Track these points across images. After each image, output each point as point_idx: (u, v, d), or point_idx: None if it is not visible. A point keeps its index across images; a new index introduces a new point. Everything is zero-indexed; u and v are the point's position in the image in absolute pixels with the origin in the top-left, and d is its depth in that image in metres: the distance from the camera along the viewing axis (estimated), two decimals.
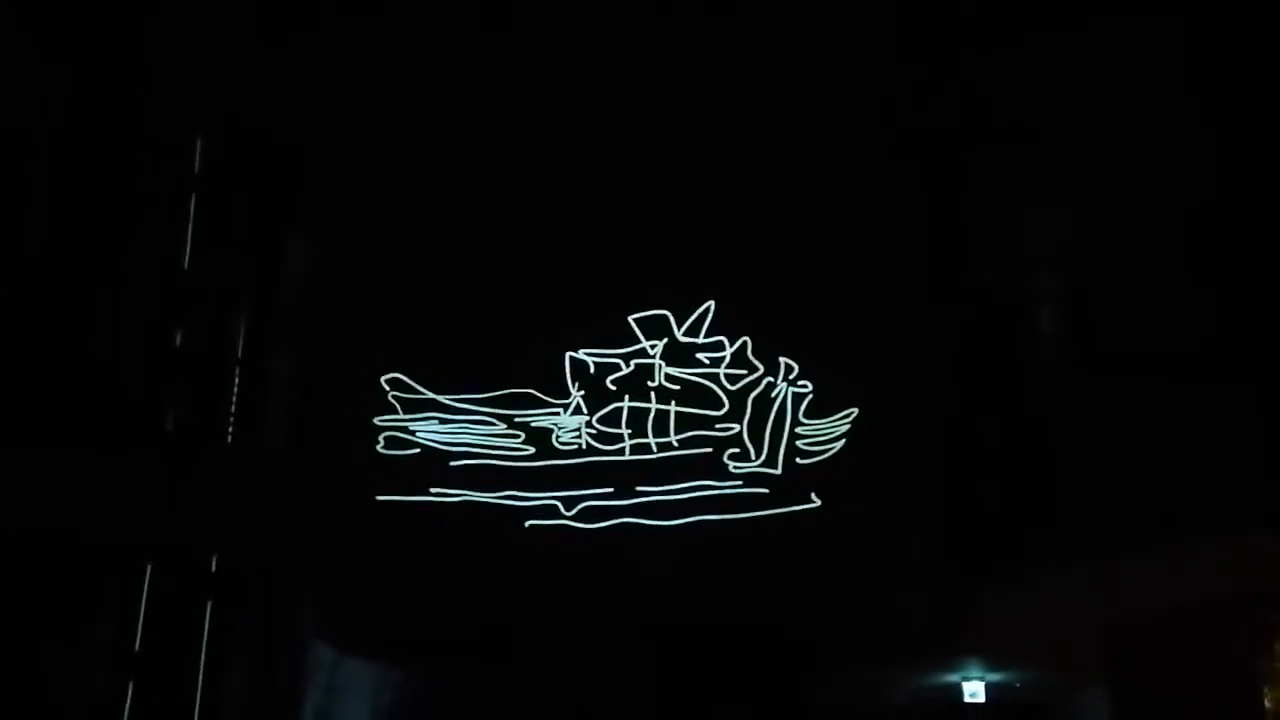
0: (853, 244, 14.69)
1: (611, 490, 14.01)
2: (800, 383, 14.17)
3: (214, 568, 13.95)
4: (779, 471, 13.97)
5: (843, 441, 14.03)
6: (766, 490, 13.91)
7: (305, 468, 14.36)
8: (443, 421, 14.34)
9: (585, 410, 14.29)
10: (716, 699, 13.94)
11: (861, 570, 13.85)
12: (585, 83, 15.24)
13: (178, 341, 13.79)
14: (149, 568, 13.18)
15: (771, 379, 14.21)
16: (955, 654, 14.37)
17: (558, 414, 14.29)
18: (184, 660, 13.50)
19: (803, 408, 14.12)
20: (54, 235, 12.33)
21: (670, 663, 13.97)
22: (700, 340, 14.37)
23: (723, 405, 14.19)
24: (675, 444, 14.15)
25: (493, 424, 14.28)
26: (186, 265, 13.93)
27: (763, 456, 14.02)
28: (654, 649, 13.91)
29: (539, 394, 14.34)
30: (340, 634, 14.39)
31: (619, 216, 14.62)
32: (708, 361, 14.32)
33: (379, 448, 14.31)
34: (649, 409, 14.25)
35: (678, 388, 14.29)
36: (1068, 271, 15.73)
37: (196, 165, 14.15)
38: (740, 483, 13.96)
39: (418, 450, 14.31)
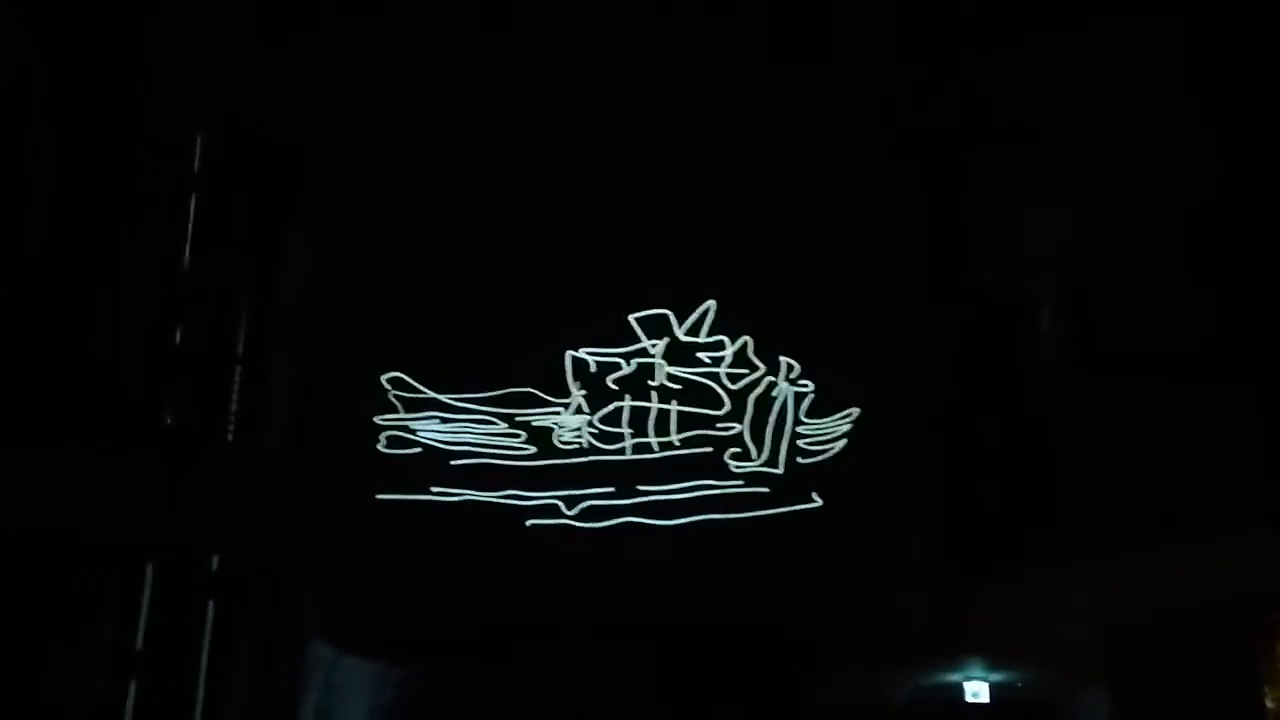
0: (853, 244, 14.68)
1: (613, 489, 14.00)
2: (801, 382, 14.17)
3: (215, 567, 13.95)
4: (780, 471, 13.96)
5: (844, 441, 14.02)
6: (768, 490, 13.91)
7: (306, 467, 14.38)
8: (444, 421, 14.33)
9: (586, 409, 14.27)
10: (717, 698, 13.94)
11: (862, 570, 13.85)
12: (585, 82, 15.22)
13: (178, 341, 13.75)
14: (150, 567, 13.15)
15: (773, 378, 14.20)
16: (955, 654, 14.37)
17: (559, 413, 14.28)
18: (185, 660, 13.50)
19: (804, 407, 14.12)
20: (54, 235, 12.32)
21: (670, 662, 13.95)
22: (701, 339, 14.35)
23: (724, 405, 14.18)
24: (676, 443, 14.13)
25: (494, 423, 14.27)
26: (187, 265, 13.90)
27: (764, 456, 14.01)
28: (654, 648, 13.88)
29: (540, 393, 14.32)
30: (341, 633, 14.35)
31: (620, 216, 14.58)
32: (709, 361, 14.30)
33: (380, 447, 14.30)
34: (650, 408, 14.23)
35: (679, 387, 14.28)
36: (1068, 271, 15.75)
37: (196, 165, 14.14)
38: (741, 482, 13.95)
39: (419, 449, 14.30)
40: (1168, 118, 15.36)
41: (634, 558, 13.75)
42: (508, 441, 14.22)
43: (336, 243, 15.15)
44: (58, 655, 12.14)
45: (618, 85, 15.17)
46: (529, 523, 14.00)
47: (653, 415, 14.22)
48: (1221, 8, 15.14)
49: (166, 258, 13.75)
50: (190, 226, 14.03)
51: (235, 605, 13.97)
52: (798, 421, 14.09)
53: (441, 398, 14.35)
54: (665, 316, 14.40)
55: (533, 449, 14.22)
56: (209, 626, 13.75)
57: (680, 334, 14.36)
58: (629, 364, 14.35)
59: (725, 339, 14.33)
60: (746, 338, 14.29)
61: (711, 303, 14.36)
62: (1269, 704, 13.26)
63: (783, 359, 14.22)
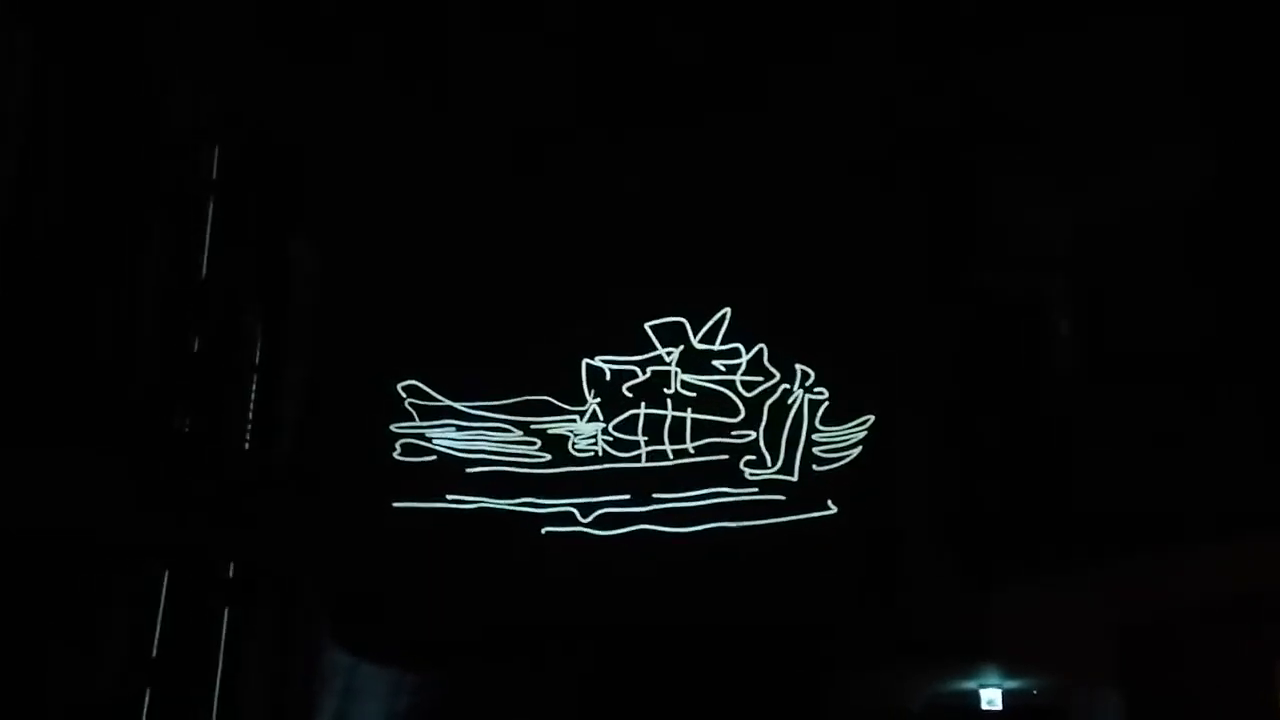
0: (865, 249, 14.73)
1: (628, 497, 14.07)
2: (817, 389, 14.23)
3: (230, 574, 13.91)
4: (795, 478, 14.04)
5: (859, 449, 14.09)
6: (783, 497, 13.99)
7: (321, 474, 14.37)
8: (459, 428, 14.37)
9: (601, 417, 14.34)
10: (731, 705, 13.97)
11: (876, 577, 13.96)
12: (597, 88, 15.23)
13: (194, 347, 13.70)
14: (166, 573, 13.12)
15: (788, 386, 14.26)
16: (970, 660, 14.46)
17: (574, 421, 14.34)
18: (200, 667, 13.48)
19: (819, 415, 14.18)
20: (68, 239, 12.23)
21: (685, 669, 14.00)
22: (716, 347, 14.41)
23: (739, 412, 14.25)
24: (691, 451, 14.21)
25: (509, 431, 14.31)
26: (202, 271, 13.85)
27: (779, 463, 14.08)
28: (670, 654, 13.95)
29: (555, 401, 14.38)
30: (356, 639, 14.37)
31: (634, 223, 14.61)
32: (724, 368, 14.37)
33: (395, 454, 14.33)
34: (665, 416, 14.30)
35: (694, 395, 14.34)
36: (1072, 272, 15.80)
37: (213, 170, 14.07)
38: (756, 490, 14.04)
39: (434, 457, 14.35)
40: (1168, 118, 15.42)
41: (649, 565, 13.82)
42: (523, 449, 14.27)
43: (352, 250, 15.13)
44: (72, 661, 12.09)
45: (630, 91, 15.17)
46: (544, 530, 14.08)
47: (668, 423, 14.29)
48: (1221, 8, 15.15)
49: (182, 263, 13.67)
50: (207, 232, 13.94)
51: (250, 612, 13.93)
52: (812, 429, 14.16)
53: (457, 405, 14.39)
54: (680, 324, 14.47)
55: (548, 456, 14.28)
56: (224, 633, 13.69)
57: (695, 342, 14.43)
58: (644, 372, 14.42)
59: (740, 346, 14.40)
60: (761, 345, 14.36)
61: (726, 310, 14.43)
62: None
63: (798, 366, 14.29)
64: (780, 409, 14.19)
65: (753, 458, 14.10)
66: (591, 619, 13.83)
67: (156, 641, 13.04)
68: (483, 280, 14.64)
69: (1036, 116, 15.85)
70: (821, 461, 14.09)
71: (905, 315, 14.77)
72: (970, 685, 14.77)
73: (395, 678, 14.51)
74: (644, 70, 15.39)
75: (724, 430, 14.22)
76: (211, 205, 14.03)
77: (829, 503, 13.90)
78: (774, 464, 14.08)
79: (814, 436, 14.14)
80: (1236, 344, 14.48)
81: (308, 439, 14.67)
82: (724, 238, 14.62)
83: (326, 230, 15.24)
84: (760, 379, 14.31)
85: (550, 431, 14.31)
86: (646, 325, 14.48)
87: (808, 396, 14.21)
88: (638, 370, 14.42)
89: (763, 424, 14.18)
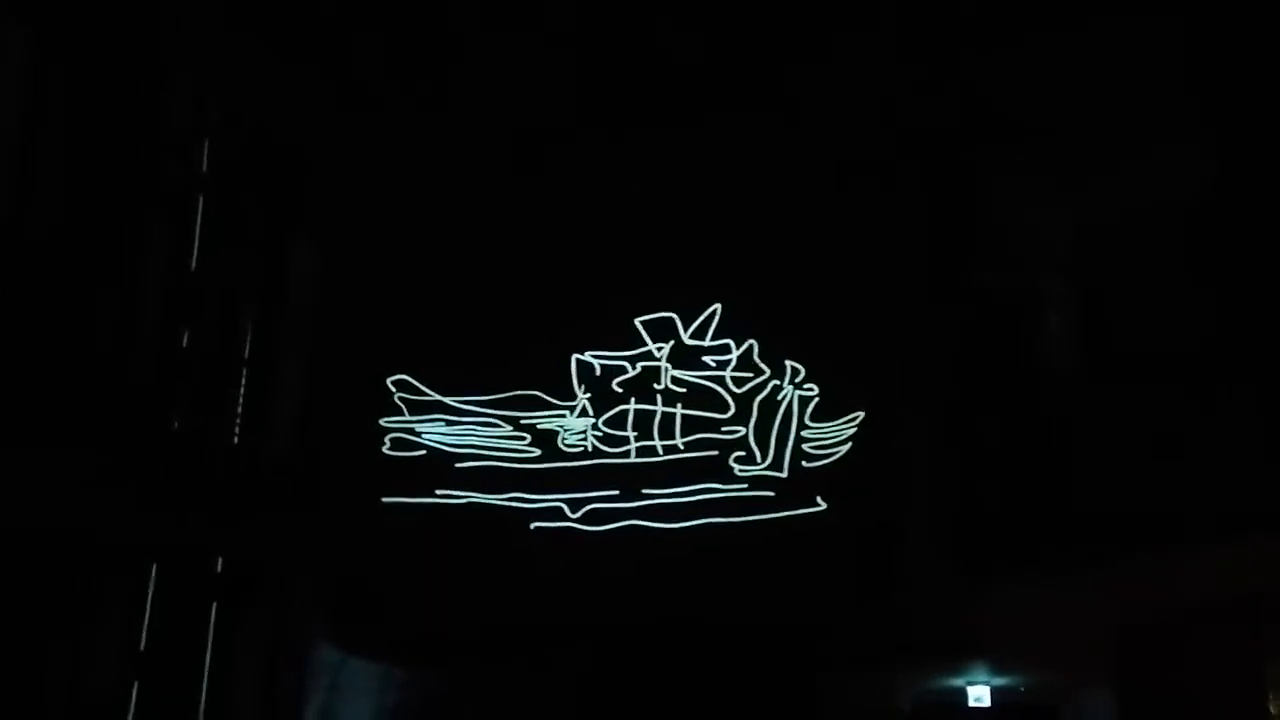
0: (857, 247, 14.68)
1: (617, 492, 14.04)
2: (806, 386, 14.19)
3: (219, 568, 13.90)
4: (785, 474, 13.99)
5: (849, 445, 14.04)
6: (772, 493, 13.94)
7: (311, 469, 14.38)
8: (448, 423, 14.37)
9: (591, 412, 14.32)
10: (721, 702, 13.94)
11: (867, 574, 13.90)
12: (590, 83, 15.23)
13: (184, 342, 13.70)
14: (154, 568, 13.11)
15: (778, 382, 14.22)
16: (962, 657, 14.42)
17: (564, 416, 14.33)
18: (189, 661, 13.48)
19: (809, 411, 14.13)
20: (60, 235, 12.23)
21: (675, 664, 13.99)
22: (706, 343, 14.38)
23: (729, 408, 14.21)
24: (681, 447, 14.18)
25: (498, 426, 14.31)
26: (194, 266, 13.85)
27: (769, 459, 14.03)
28: (659, 651, 13.93)
29: (545, 396, 14.37)
30: (345, 635, 14.40)
31: (625, 218, 14.61)
32: (714, 364, 14.33)
33: (384, 449, 14.34)
34: (655, 411, 14.28)
35: (684, 390, 14.32)
36: (1070, 272, 15.75)
37: (204, 165, 14.08)
38: (746, 486, 13.99)
39: (423, 452, 14.34)
40: (1168, 118, 15.37)
41: (638, 561, 13.80)
42: (512, 444, 14.26)
43: (343, 245, 15.18)
44: (60, 655, 12.07)
45: (622, 86, 15.17)
46: (533, 525, 14.05)
47: (657, 418, 14.27)
48: (1221, 8, 15.09)
49: (174, 258, 13.67)
50: (198, 228, 13.94)
51: (239, 607, 13.92)
52: (802, 425, 14.11)
53: (446, 400, 14.39)
54: (671, 320, 14.44)
55: (537, 452, 14.27)
56: (213, 628, 13.68)
57: (685, 337, 14.40)
58: (634, 367, 14.40)
59: (730, 342, 14.36)
60: (752, 341, 14.32)
61: (717, 306, 14.39)
62: (1272, 709, 13.33)
63: (788, 363, 14.23)
64: (770, 405, 14.15)
65: (742, 454, 14.06)
66: (580, 615, 13.80)
67: (145, 636, 12.99)
68: (473, 275, 14.65)
69: (1036, 116, 15.81)
70: (811, 458, 14.04)
71: (901, 314, 14.72)
72: (960, 683, 14.70)
73: (383, 673, 14.53)
74: (643, 70, 15.35)
75: (714, 426, 14.19)
76: (202, 201, 13.95)
77: (818, 499, 13.81)
78: (763, 460, 14.03)
79: (804, 433, 14.09)
80: (1235, 344, 14.39)
81: (298, 435, 14.66)
82: (716, 235, 14.59)
83: (320, 226, 15.24)
84: (750, 375, 14.27)
85: (540, 426, 14.31)
86: (637, 321, 14.45)
87: (797, 393, 14.16)
88: (628, 366, 14.40)
89: (753, 420, 14.13)
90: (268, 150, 14.94)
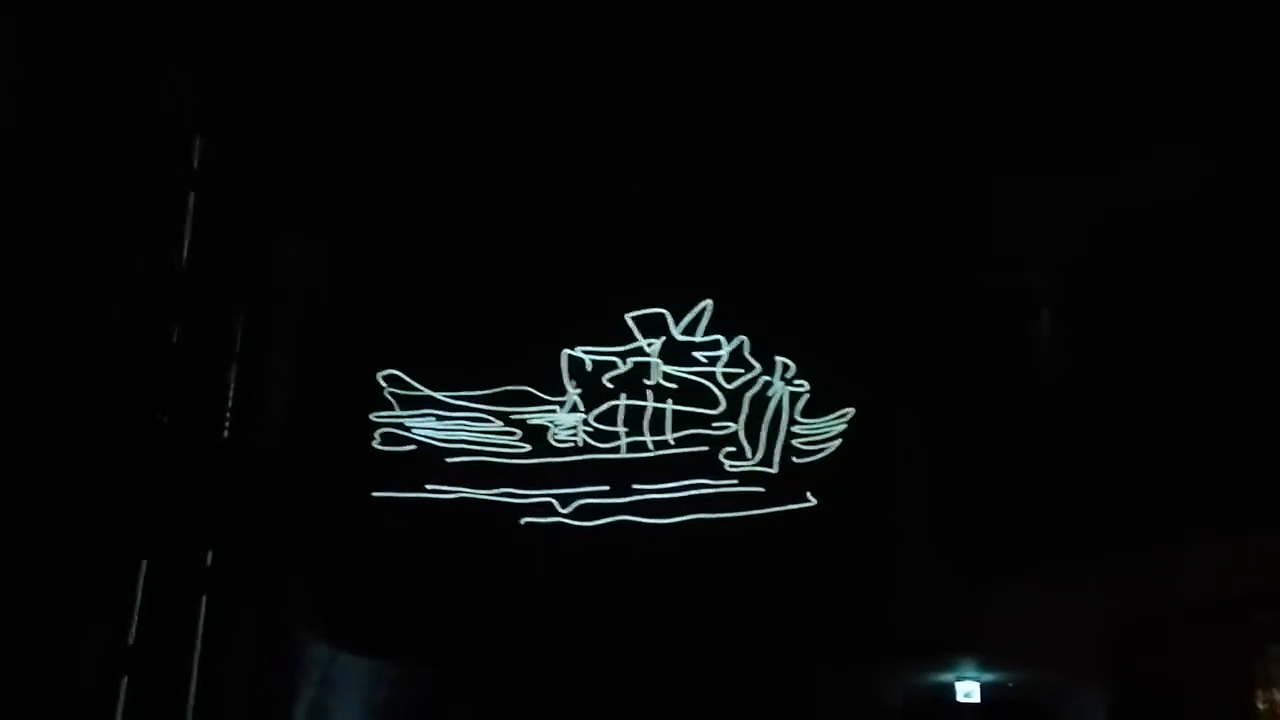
0: (851, 243, 14.66)
1: (607, 488, 14.02)
2: (797, 382, 14.16)
3: (208, 563, 13.90)
4: (775, 470, 13.97)
5: (839, 441, 14.00)
6: (762, 489, 13.92)
7: (301, 463, 14.37)
8: (439, 418, 14.36)
9: (582, 408, 14.30)
10: (710, 698, 13.90)
11: (857, 570, 13.86)
12: (583, 79, 15.24)
13: (175, 338, 13.71)
14: (144, 563, 13.11)
15: (768, 378, 14.20)
16: (952, 653, 14.38)
17: (554, 411, 14.31)
18: (178, 656, 13.47)
19: (799, 407, 14.11)
20: (52, 232, 12.25)
21: (664, 661, 13.96)
22: (697, 339, 14.36)
23: (719, 404, 14.19)
24: (671, 442, 14.16)
25: (489, 421, 14.29)
26: (184, 262, 13.86)
27: (759, 455, 14.01)
28: (648, 647, 13.91)
29: (536, 391, 14.36)
30: (335, 630, 14.40)
31: (617, 214, 14.60)
32: (705, 360, 14.32)
33: (375, 444, 14.33)
34: (646, 407, 14.26)
35: (674, 386, 14.30)
36: (1068, 271, 15.72)
37: (195, 162, 14.10)
38: (736, 481, 13.97)
39: (414, 447, 14.33)
40: (1167, 117, 15.33)
41: (628, 556, 13.78)
42: (503, 439, 14.26)
43: (333, 241, 15.18)
44: (49, 651, 12.07)
45: (615, 82, 15.16)
46: (523, 521, 14.02)
47: (648, 414, 14.25)
48: (1221, 8, 15.06)
49: (164, 255, 13.68)
50: (189, 224, 13.95)
51: (229, 602, 13.92)
52: (793, 421, 14.10)
53: (437, 395, 14.39)
54: (662, 315, 14.43)
55: (528, 447, 14.26)
56: (202, 623, 13.67)
57: (676, 333, 14.39)
58: (625, 363, 14.39)
59: (721, 338, 14.35)
60: (743, 337, 14.31)
61: (708, 302, 14.39)
62: (1261, 705, 13.27)
63: (778, 359, 14.22)
64: (761, 401, 14.13)
65: (733, 449, 14.04)
66: (570, 611, 13.78)
67: (134, 631, 12.99)
68: (464, 271, 14.62)
69: (1036, 116, 15.75)
70: (801, 454, 14.02)
71: (894, 311, 14.69)
72: (949, 678, 14.65)
73: (373, 669, 14.51)
74: (643, 70, 15.35)
75: (704, 422, 14.17)
76: (193, 198, 13.97)
77: (808, 495, 13.78)
78: (754, 456, 14.01)
79: (794, 429, 14.07)
80: (1231, 344, 14.36)
81: (288, 430, 14.67)
82: (708, 232, 14.57)
83: (311, 222, 15.25)
84: (741, 371, 14.25)
85: (530, 422, 14.29)
86: (628, 316, 14.43)
87: (788, 389, 14.14)
88: (618, 361, 14.39)
89: (743, 416, 14.11)
90: (259, 146, 14.95)
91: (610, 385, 14.33)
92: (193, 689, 13.52)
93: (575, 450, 14.21)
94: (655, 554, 13.73)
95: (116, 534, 12.70)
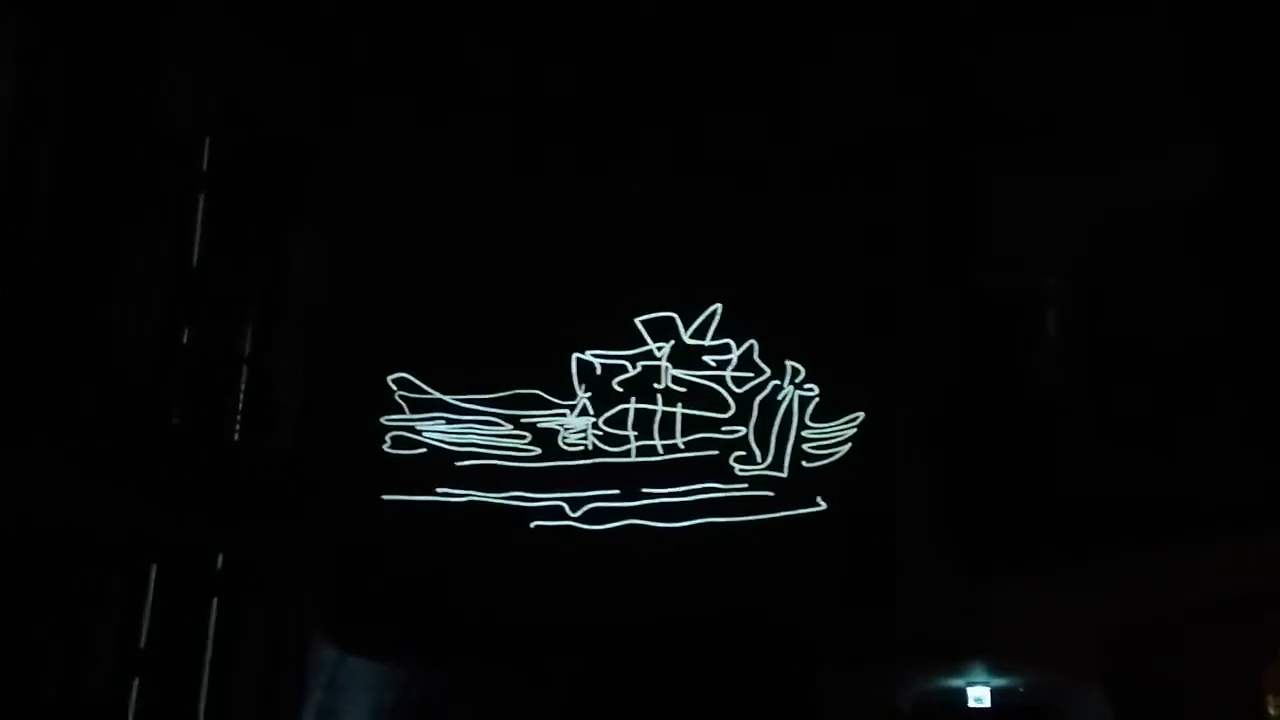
0: (858, 248, 14.70)
1: (617, 492, 14.10)
2: (807, 386, 14.21)
3: (219, 566, 13.90)
4: (785, 474, 14.04)
5: (848, 445, 14.05)
6: (772, 493, 14.00)
7: (311, 466, 14.37)
8: (449, 421, 14.39)
9: (592, 411, 14.36)
10: (721, 701, 13.93)
11: (866, 573, 13.92)
12: (593, 83, 15.24)
13: (185, 340, 13.69)
14: (154, 566, 13.10)
15: (778, 382, 14.24)
16: (960, 656, 14.41)
17: (564, 415, 14.37)
18: (189, 659, 13.47)
19: (809, 411, 14.16)
20: (60, 234, 12.22)
21: (675, 665, 13.98)
22: (707, 343, 14.40)
23: (729, 408, 14.25)
24: (681, 446, 14.23)
25: (499, 424, 14.34)
26: (194, 264, 13.84)
27: (769, 459, 14.08)
28: (658, 651, 13.92)
29: (546, 395, 14.41)
30: (344, 633, 14.41)
31: (626, 218, 14.62)
32: (714, 364, 14.36)
33: (385, 447, 14.35)
34: (655, 411, 14.32)
35: (684, 390, 14.35)
36: (1072, 271, 15.77)
37: (205, 163, 14.07)
38: (746, 485, 14.07)
39: (424, 450, 14.36)
40: (1168, 117, 15.38)
41: (637, 560, 13.82)
42: (513, 443, 14.30)
43: (344, 243, 15.17)
44: (61, 654, 12.07)
45: (624, 85, 15.20)
46: (533, 524, 14.08)
47: (658, 418, 14.32)
48: (1222, 7, 15.11)
49: (174, 257, 13.65)
50: (198, 225, 13.93)
51: (239, 604, 13.91)
52: (802, 425, 14.15)
53: (447, 399, 14.42)
54: (671, 319, 14.47)
55: (538, 450, 14.31)
56: (213, 626, 13.67)
57: (686, 337, 14.43)
58: (634, 366, 14.43)
59: (731, 342, 14.42)
60: (752, 341, 14.36)
61: (717, 306, 14.43)
62: (1271, 710, 13.33)
63: (788, 363, 14.29)
64: (770, 405, 14.20)
65: (742, 453, 14.11)
66: (580, 614, 13.81)
67: (145, 634, 12.99)
68: (474, 274, 14.64)
69: (1037, 116, 15.79)
70: (811, 458, 14.10)
71: (898, 314, 14.72)
72: (959, 683, 14.70)
73: (382, 671, 14.51)
74: (644, 70, 15.35)
75: (714, 426, 14.24)
76: (203, 199, 13.94)
77: (818, 499, 13.83)
78: (764, 460, 14.08)
79: (804, 433, 14.13)
80: (1232, 344, 14.43)
81: (299, 433, 14.66)
82: (716, 235, 14.59)
83: (322, 225, 15.23)
84: (751, 375, 14.30)
85: (540, 425, 14.35)
86: (637, 320, 14.47)
87: (798, 393, 14.18)
88: (628, 365, 14.44)
89: (753, 420, 14.18)
90: (269, 149, 14.91)
91: (620, 389, 14.37)
92: (203, 691, 13.50)
93: (585, 454, 14.26)
94: (665, 558, 13.79)
95: (127, 537, 12.69)
